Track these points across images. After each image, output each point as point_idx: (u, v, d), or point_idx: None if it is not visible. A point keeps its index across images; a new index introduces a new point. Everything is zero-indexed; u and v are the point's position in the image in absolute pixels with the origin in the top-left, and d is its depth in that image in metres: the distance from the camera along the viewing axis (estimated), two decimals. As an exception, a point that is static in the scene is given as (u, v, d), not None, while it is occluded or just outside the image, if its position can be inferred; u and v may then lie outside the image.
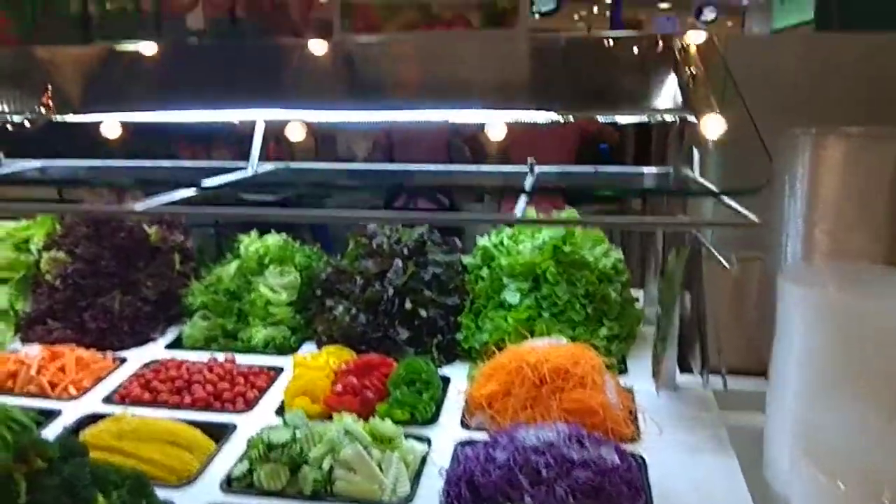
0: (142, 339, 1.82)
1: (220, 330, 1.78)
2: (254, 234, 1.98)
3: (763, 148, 1.00)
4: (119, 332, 1.79)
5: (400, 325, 1.62)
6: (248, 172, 1.48)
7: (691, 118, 1.24)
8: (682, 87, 1.26)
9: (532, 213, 1.38)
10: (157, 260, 1.93)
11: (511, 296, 1.60)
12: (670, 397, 1.44)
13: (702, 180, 1.19)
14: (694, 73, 1.24)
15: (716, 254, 1.12)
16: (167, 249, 1.96)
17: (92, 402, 1.54)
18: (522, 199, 1.10)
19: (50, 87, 1.57)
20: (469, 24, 1.46)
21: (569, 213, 1.61)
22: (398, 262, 1.64)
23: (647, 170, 1.45)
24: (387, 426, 1.31)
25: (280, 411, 1.46)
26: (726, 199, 1.02)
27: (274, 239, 1.91)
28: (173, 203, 1.15)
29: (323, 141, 3.32)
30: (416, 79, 1.41)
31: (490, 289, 1.67)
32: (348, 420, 1.32)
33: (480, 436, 1.28)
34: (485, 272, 1.72)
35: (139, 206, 1.10)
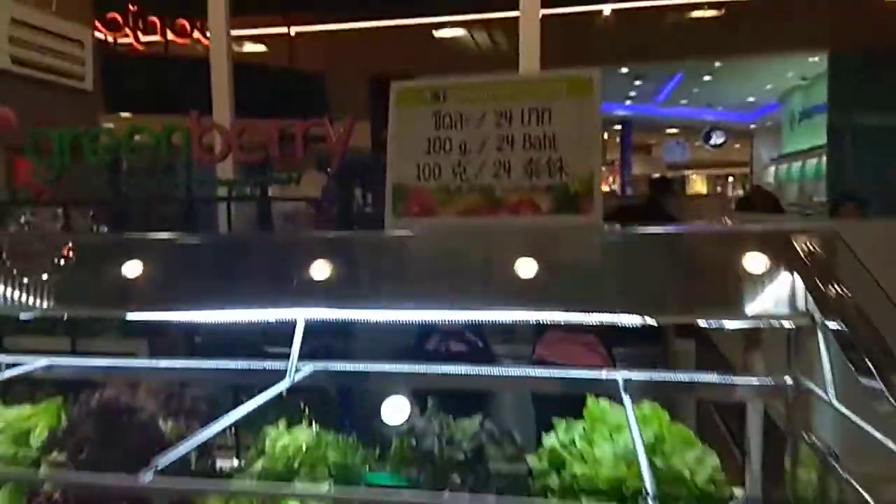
0: (149, 564, 1.55)
1: (240, 554, 1.51)
2: (282, 423, 1.75)
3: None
4: (123, 556, 1.53)
5: (459, 558, 1.35)
6: (286, 383, 1.28)
7: (821, 322, 1.03)
8: (805, 286, 1.06)
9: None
10: (172, 458, 1.69)
11: (593, 520, 1.34)
12: None
13: (845, 411, 0.96)
14: (816, 269, 1.05)
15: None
16: (184, 444, 1.73)
17: None
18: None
19: (69, 278, 1.42)
20: (537, 209, 1.30)
21: (655, 410, 1.37)
22: (455, 479, 1.40)
23: (753, 380, 1.22)
24: None
25: None
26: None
27: (306, 435, 1.68)
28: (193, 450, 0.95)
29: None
30: (477, 272, 1.23)
31: (563, 505, 1.41)
32: None
33: None
34: (554, 480, 1.47)
35: (145, 477, 0.89)
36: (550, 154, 1.29)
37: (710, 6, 9.04)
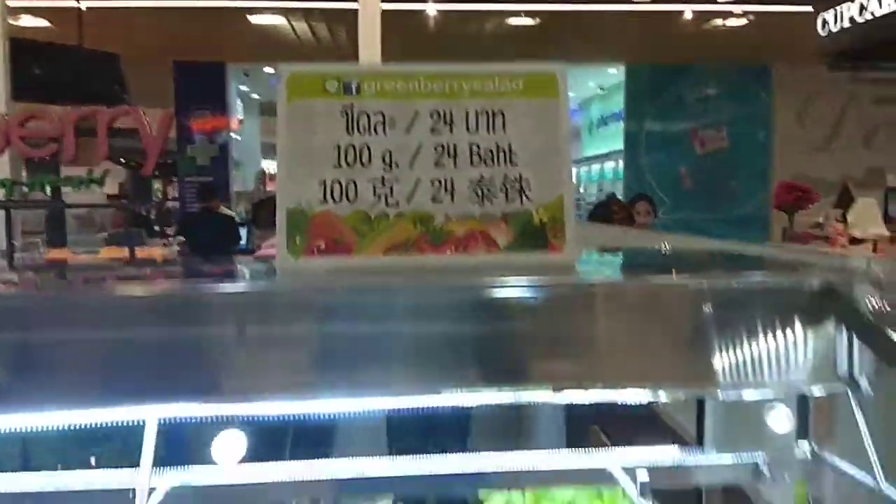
0: None
1: None
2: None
3: None
4: None
5: None
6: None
7: (865, 388, 0.84)
8: (834, 345, 0.86)
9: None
10: None
11: None
12: None
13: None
14: (850, 326, 0.86)
15: None
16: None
17: None
18: None
19: None
20: (492, 244, 0.98)
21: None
22: None
23: (758, 456, 1.00)
24: None
25: None
26: None
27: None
28: None
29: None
30: (413, 336, 0.89)
31: None
32: None
33: None
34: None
35: None
36: (507, 171, 0.98)
37: (527, 14, 9.33)
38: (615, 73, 13.43)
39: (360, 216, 0.96)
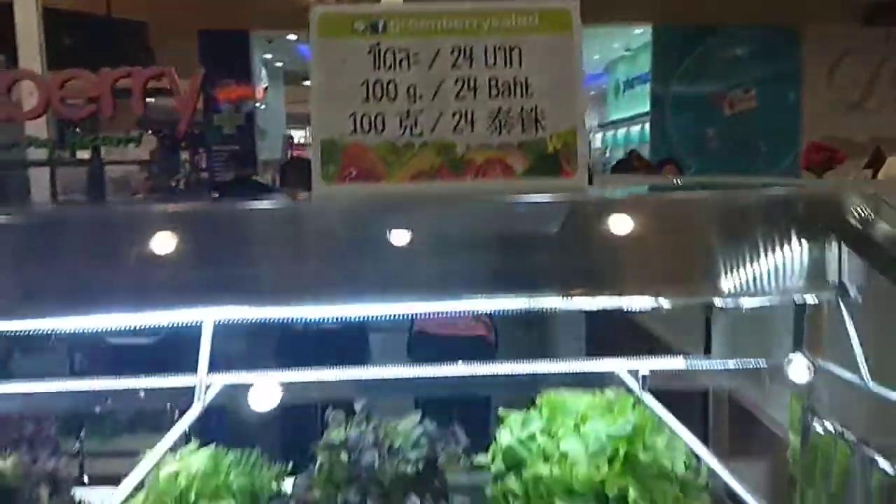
0: None
1: None
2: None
3: None
4: None
5: None
6: (197, 409, 0.95)
7: (855, 297, 0.91)
8: (828, 253, 0.93)
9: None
10: None
11: (573, 532, 1.16)
12: None
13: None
14: (842, 236, 0.93)
15: None
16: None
17: None
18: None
19: None
20: (509, 171, 1.07)
21: (621, 396, 1.19)
22: (413, 501, 1.15)
23: (752, 362, 1.08)
24: None
25: None
26: None
27: (200, 459, 1.33)
28: None
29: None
30: (438, 253, 0.98)
31: (531, 513, 1.21)
32: None
33: None
34: (515, 483, 1.27)
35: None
36: (523, 103, 1.05)
37: (551, -27, 9.15)
38: (641, 34, 13.15)
39: (388, 146, 1.04)
